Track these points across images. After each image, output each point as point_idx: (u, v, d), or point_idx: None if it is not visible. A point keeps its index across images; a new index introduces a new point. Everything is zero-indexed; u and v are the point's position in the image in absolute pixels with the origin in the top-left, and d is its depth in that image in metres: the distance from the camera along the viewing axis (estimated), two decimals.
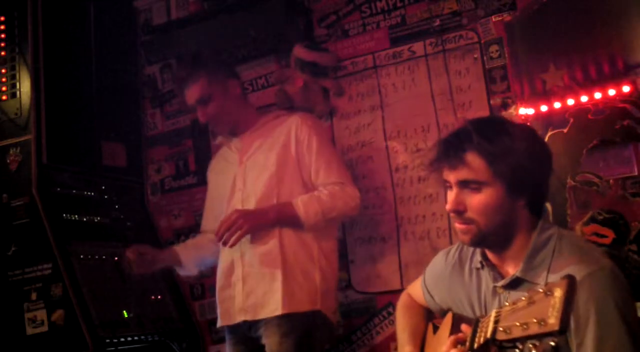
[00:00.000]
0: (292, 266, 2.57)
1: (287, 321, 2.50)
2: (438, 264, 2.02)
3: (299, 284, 2.56)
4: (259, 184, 2.65)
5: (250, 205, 2.64)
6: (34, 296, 2.94)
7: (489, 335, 1.35)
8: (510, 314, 1.29)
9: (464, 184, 1.67)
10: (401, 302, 2.19)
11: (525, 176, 1.64)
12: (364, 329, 3.14)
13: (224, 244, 2.53)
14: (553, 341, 1.22)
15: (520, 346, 1.28)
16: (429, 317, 2.09)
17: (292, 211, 2.56)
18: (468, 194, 1.67)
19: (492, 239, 1.70)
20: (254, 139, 2.76)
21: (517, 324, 1.24)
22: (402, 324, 2.10)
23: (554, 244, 1.65)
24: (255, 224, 2.53)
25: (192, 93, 2.75)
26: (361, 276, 3.18)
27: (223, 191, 2.79)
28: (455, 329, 1.72)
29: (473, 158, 1.65)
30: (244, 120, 2.80)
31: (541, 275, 1.62)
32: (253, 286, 2.58)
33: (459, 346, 1.55)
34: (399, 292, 2.95)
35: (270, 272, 2.56)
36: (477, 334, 1.46)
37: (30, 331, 2.90)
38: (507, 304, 1.35)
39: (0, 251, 3.04)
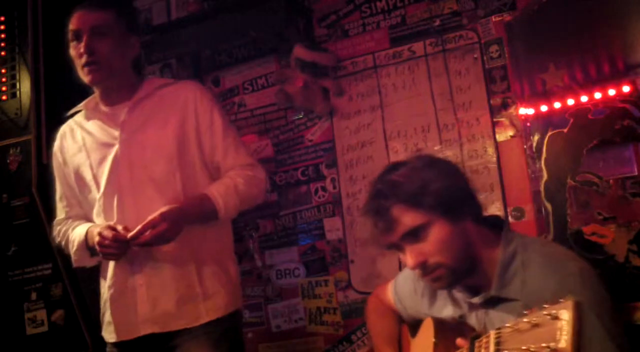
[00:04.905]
0: (209, 261, 2.20)
1: (211, 334, 2.15)
2: (409, 280, 1.98)
3: (220, 282, 2.20)
4: (157, 167, 2.22)
5: (147, 188, 2.21)
6: (34, 296, 2.94)
7: None
8: (513, 336, 1.26)
9: (409, 237, 1.63)
10: (371, 307, 2.15)
11: (451, 194, 1.62)
12: (364, 329, 3.13)
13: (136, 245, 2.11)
14: None
15: None
16: (401, 319, 2.07)
17: (211, 205, 2.19)
18: (419, 242, 1.63)
19: (462, 272, 1.66)
20: (139, 111, 2.30)
21: (524, 348, 1.21)
22: (376, 329, 2.07)
23: (521, 256, 1.62)
24: (180, 231, 2.13)
25: (89, 17, 2.23)
26: (361, 276, 3.18)
27: (89, 176, 2.30)
28: (440, 334, 1.69)
29: (399, 211, 1.62)
30: (128, 88, 2.33)
31: (517, 291, 1.60)
32: (162, 290, 2.15)
33: None
34: None
35: (183, 273, 2.16)
36: None
37: (30, 331, 2.91)
38: (490, 321, 1.30)
39: (0, 251, 3.04)
